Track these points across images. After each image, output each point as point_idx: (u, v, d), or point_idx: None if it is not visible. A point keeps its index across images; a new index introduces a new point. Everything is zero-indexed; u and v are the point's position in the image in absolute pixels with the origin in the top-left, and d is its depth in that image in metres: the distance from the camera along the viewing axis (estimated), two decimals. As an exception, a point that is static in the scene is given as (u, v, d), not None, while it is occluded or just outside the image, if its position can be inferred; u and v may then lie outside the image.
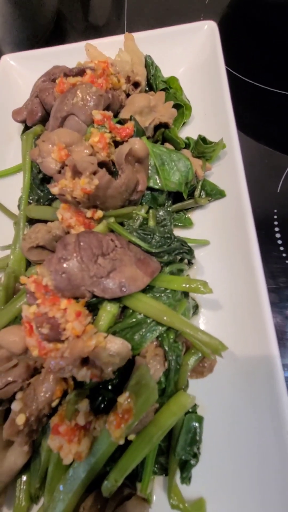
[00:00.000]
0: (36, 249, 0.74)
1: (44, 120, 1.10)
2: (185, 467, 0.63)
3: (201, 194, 0.93)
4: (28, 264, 0.88)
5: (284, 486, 0.61)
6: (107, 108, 0.89)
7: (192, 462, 0.63)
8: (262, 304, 0.73)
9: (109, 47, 1.29)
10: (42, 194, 0.88)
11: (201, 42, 1.21)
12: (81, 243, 0.63)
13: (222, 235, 0.89)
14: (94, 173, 0.69)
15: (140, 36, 1.26)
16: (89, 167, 0.68)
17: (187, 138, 1.01)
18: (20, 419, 0.56)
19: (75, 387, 0.62)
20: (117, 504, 0.61)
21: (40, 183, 0.87)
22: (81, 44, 1.31)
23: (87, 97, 0.84)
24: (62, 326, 0.61)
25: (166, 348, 0.62)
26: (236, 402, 0.71)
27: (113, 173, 0.83)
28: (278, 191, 1.02)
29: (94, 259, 0.63)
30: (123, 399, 0.55)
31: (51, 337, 0.59)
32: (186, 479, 0.63)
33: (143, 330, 0.63)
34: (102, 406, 0.61)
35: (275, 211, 1.00)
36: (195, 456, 0.64)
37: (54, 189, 0.69)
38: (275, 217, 0.99)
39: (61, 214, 0.77)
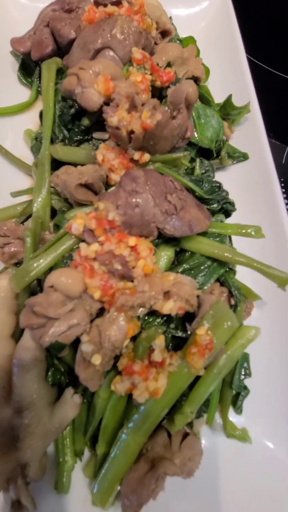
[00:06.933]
0: (81, 187, 0.66)
1: (54, 55, 0.97)
2: (238, 399, 0.67)
3: (224, 155, 0.96)
4: (53, 212, 0.79)
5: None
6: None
7: (243, 393, 0.68)
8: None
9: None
10: (69, 134, 0.79)
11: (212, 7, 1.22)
12: (151, 178, 0.59)
13: (247, 196, 0.94)
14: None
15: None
16: (150, 101, 0.63)
17: (207, 100, 1.02)
18: (96, 359, 0.52)
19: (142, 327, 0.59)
20: (180, 441, 0.62)
21: (70, 120, 0.77)
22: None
23: (128, 31, 0.77)
24: (132, 264, 0.57)
25: (232, 287, 0.64)
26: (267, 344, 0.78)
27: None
28: (283, 162, 1.12)
29: (164, 196, 0.60)
30: (204, 331, 0.55)
31: (126, 273, 0.55)
32: (238, 409, 0.67)
33: (206, 271, 0.64)
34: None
35: (282, 179, 1.10)
36: (245, 388, 0.68)
37: (113, 119, 0.63)
38: (282, 185, 1.09)
39: (102, 154, 0.71)
